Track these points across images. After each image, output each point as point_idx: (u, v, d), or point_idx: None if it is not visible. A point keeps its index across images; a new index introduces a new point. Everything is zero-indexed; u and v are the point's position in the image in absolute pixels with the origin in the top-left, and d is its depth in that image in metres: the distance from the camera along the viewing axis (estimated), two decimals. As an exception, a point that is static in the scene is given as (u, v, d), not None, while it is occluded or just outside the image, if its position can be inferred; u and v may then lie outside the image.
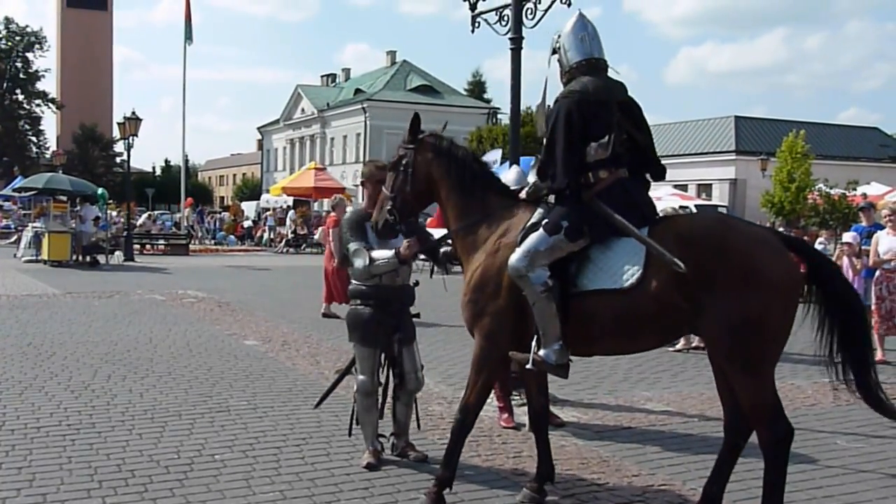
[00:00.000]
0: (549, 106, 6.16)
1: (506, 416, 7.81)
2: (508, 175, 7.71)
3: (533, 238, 5.33)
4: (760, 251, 5.03)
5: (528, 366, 5.37)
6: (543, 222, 5.36)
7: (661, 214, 5.95)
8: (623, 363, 11.05)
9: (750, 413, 5.19)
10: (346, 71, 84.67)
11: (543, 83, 6.67)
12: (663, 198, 37.78)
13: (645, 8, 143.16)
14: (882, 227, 12.16)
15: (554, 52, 5.76)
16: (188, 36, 39.07)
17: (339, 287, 13.85)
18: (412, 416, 6.79)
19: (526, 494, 5.74)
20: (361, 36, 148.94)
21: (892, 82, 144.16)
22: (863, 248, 12.22)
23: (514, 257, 5.30)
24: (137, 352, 10.78)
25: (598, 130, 5.37)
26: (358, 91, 72.89)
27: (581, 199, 5.34)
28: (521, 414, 7.92)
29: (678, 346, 11.80)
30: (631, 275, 5.10)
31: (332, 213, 15.74)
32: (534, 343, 5.35)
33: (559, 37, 5.70)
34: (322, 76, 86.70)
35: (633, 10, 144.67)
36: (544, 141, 5.61)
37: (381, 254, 6.32)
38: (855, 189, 35.06)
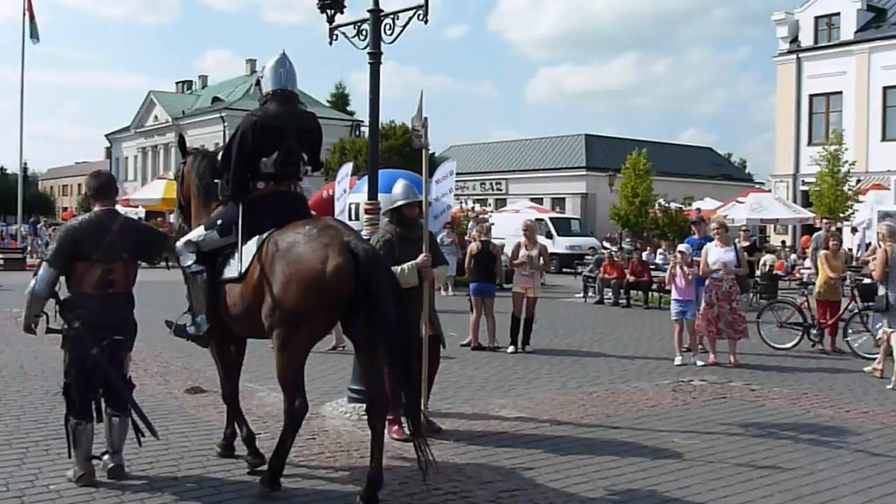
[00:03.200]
0: (426, 118, 7.83)
1: (396, 427, 7.87)
2: (396, 189, 8.15)
3: (196, 230, 6.67)
4: (308, 255, 5.91)
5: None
6: (206, 219, 6.67)
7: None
8: (481, 373, 11.32)
9: (280, 383, 6.22)
10: (204, 78, 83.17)
11: (419, 98, 7.46)
12: (521, 210, 38.73)
13: (507, 28, 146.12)
14: (712, 240, 13.09)
15: (258, 82, 6.99)
16: (33, 34, 37.05)
17: None
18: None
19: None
20: (224, 43, 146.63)
21: (726, 107, 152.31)
22: (694, 258, 12.99)
23: (179, 242, 6.66)
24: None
25: (269, 149, 6.49)
26: (216, 99, 71.63)
27: (238, 203, 6.43)
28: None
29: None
30: (244, 267, 6.23)
31: None
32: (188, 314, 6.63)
33: (263, 68, 6.93)
34: (177, 83, 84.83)
35: (497, 30, 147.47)
36: (223, 151, 6.83)
37: None
38: (690, 204, 37.57)
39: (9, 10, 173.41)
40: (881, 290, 11.77)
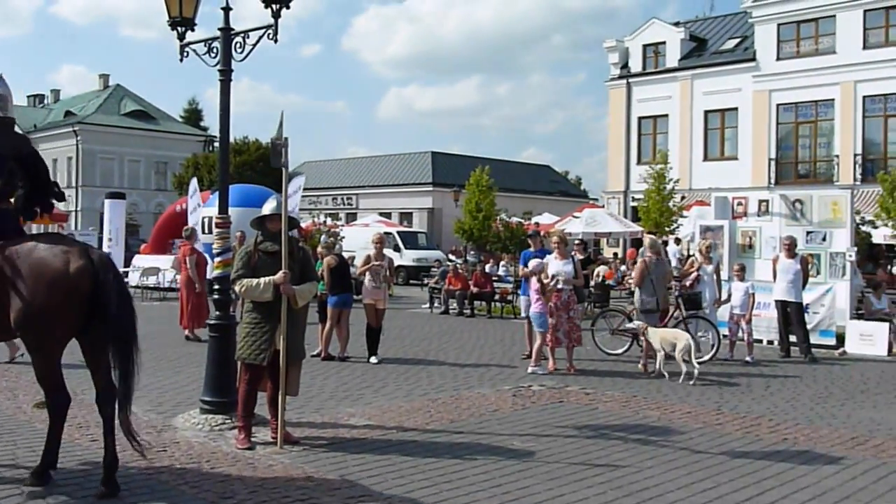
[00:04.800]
0: (286, 138, 7.89)
1: (242, 436, 7.73)
2: (266, 202, 8.19)
3: None
4: (43, 258, 6.19)
5: None
6: None
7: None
8: (331, 382, 11.21)
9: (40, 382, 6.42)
10: (56, 92, 79.85)
11: (280, 117, 7.51)
12: (371, 224, 38.80)
13: (360, 49, 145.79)
14: (548, 252, 13.54)
15: None
16: None
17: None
18: None
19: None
20: (79, 58, 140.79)
21: (563, 127, 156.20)
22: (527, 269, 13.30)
23: None
24: None
25: None
26: (69, 113, 68.91)
27: None
28: (255, 432, 7.92)
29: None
30: None
31: (187, 241, 16.53)
32: None
33: None
34: (28, 96, 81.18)
35: (350, 49, 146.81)
36: None
37: None
38: (530, 218, 38.43)
39: None
40: (637, 294, 13.30)
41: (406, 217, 55.17)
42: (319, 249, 15.05)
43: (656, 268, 13.42)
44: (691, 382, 11.70)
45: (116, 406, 6.41)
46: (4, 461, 6.95)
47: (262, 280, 7.70)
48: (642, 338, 12.82)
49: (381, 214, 48.02)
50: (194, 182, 27.53)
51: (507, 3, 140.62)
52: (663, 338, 12.43)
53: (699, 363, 12.00)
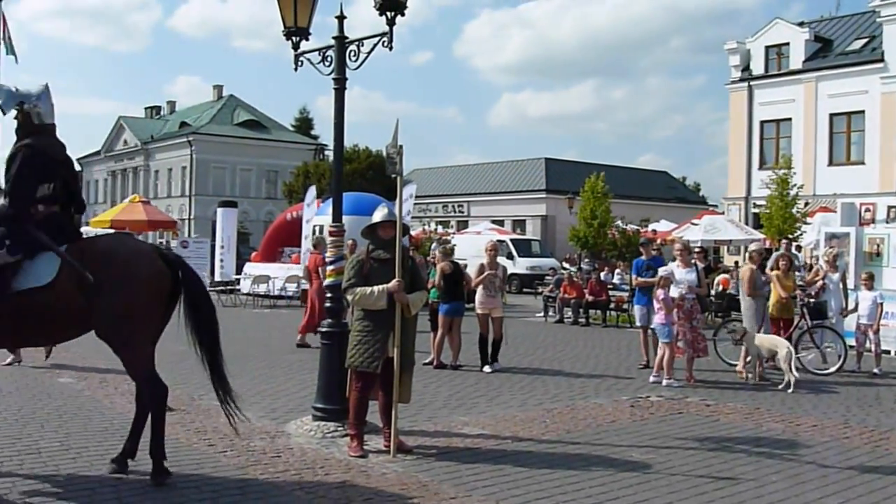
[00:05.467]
0: (401, 146, 8.06)
1: (354, 444, 7.85)
2: (380, 211, 8.24)
3: None
4: (136, 261, 6.76)
5: None
6: None
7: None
8: (443, 390, 11.27)
9: (134, 377, 6.80)
10: (172, 104, 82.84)
11: (395, 126, 7.63)
12: (483, 232, 38.88)
13: (472, 55, 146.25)
14: (660, 261, 13.58)
15: (22, 104, 6.95)
16: (9, 51, 35.97)
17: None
18: None
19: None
20: (194, 69, 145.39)
21: (681, 131, 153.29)
22: (646, 279, 13.41)
23: None
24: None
25: (46, 176, 6.87)
26: (183, 124, 71.32)
27: (22, 226, 6.67)
28: (368, 440, 8.03)
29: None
30: (48, 275, 6.49)
31: (316, 251, 16.58)
32: None
33: (36, 97, 7.00)
34: (146, 108, 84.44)
35: (462, 55, 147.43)
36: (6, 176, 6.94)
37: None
38: (647, 226, 37.70)
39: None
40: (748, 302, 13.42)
41: (519, 224, 55.13)
42: (436, 254, 15.03)
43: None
44: (790, 391, 11.59)
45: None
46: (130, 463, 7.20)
47: (376, 288, 7.81)
48: (742, 343, 12.79)
49: (493, 222, 48.04)
50: (312, 190, 27.89)
51: (623, 6, 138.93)
52: (762, 344, 12.44)
53: (826, 375, 11.74)
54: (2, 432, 8.22)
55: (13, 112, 6.97)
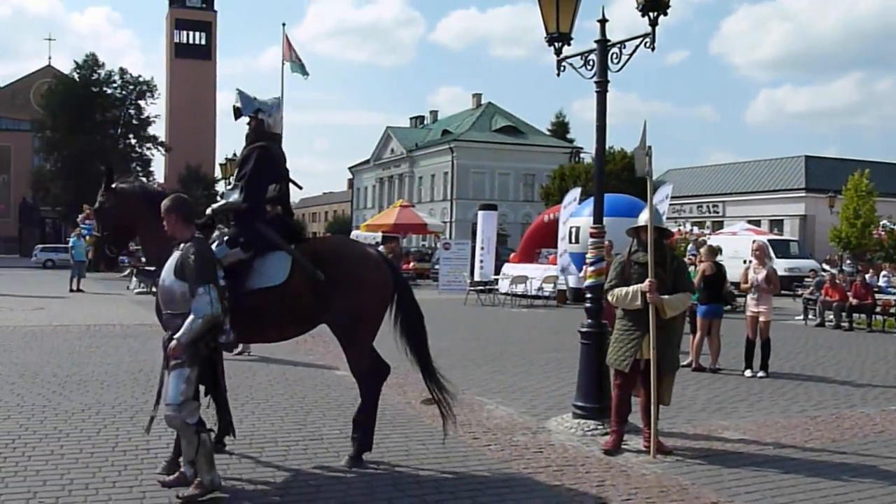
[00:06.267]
0: (649, 147, 8.05)
1: (610, 439, 7.85)
2: (644, 213, 8.03)
3: (217, 248, 6.79)
4: (364, 263, 7.08)
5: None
6: (225, 238, 6.96)
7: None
8: (702, 394, 10.96)
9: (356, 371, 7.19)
10: (434, 113, 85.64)
11: (643, 127, 7.65)
12: (738, 233, 37.40)
13: (730, 51, 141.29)
14: None
15: (258, 111, 7.29)
16: (297, 70, 38.54)
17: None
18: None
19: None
20: (454, 79, 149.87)
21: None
22: None
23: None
24: (238, 379, 10.98)
25: (275, 178, 7.16)
26: (445, 132, 73.53)
27: (254, 223, 6.93)
28: (627, 440, 7.98)
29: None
30: (282, 275, 6.78)
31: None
32: None
33: (270, 107, 7.38)
34: (411, 118, 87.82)
35: (718, 52, 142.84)
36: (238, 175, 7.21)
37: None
38: (918, 225, 34.84)
39: (274, 61, 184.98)
40: None
41: (776, 224, 52.66)
42: (701, 254, 14.48)
43: None
44: None
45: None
46: (399, 454, 7.50)
47: (630, 289, 7.73)
48: None
49: (749, 222, 46.11)
50: (575, 192, 27.90)
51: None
52: None
53: None
54: (290, 418, 8.83)
55: (244, 118, 7.33)
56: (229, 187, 7.10)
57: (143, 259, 7.32)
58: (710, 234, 37.56)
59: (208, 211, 7.37)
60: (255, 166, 7.09)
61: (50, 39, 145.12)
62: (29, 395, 9.77)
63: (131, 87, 75.47)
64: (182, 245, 6.09)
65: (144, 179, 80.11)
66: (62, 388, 10.33)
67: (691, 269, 12.65)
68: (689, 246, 25.75)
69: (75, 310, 21.45)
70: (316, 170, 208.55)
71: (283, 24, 37.72)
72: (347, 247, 7.60)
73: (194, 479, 6.02)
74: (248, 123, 7.36)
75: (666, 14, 8.43)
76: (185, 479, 6.11)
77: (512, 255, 34.34)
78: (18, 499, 5.99)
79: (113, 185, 7.22)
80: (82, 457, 7.12)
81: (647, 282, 7.65)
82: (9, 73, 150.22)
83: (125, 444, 7.51)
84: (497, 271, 30.39)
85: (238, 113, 7.37)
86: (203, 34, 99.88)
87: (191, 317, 5.84)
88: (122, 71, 75.69)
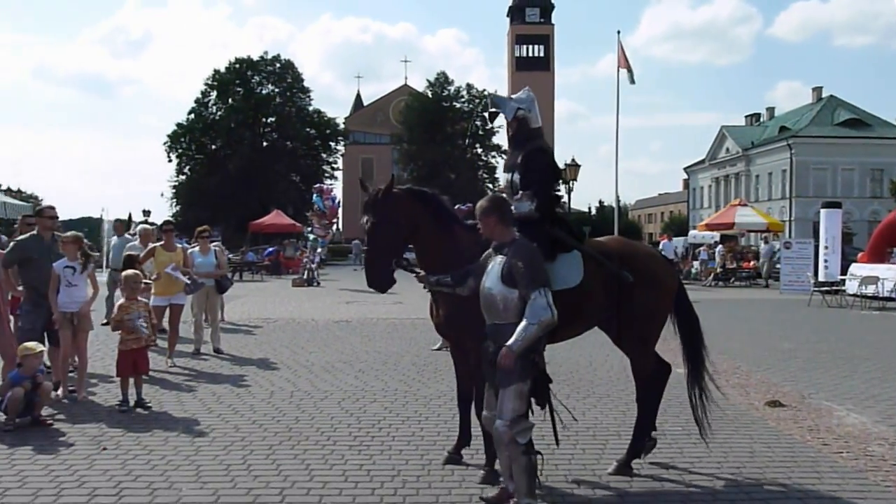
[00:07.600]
0: None
1: None
2: None
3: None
4: (655, 262, 6.94)
5: None
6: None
7: None
8: None
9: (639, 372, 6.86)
10: (770, 110, 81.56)
11: None
12: None
13: None
14: None
15: (520, 110, 6.82)
16: (631, 80, 38.33)
17: None
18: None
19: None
20: (794, 73, 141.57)
21: None
22: None
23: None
24: (580, 374, 11.00)
25: (558, 176, 6.97)
26: (783, 128, 69.67)
27: (545, 229, 6.50)
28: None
29: None
30: (577, 277, 6.40)
31: None
32: None
33: (528, 102, 6.90)
34: (746, 116, 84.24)
35: None
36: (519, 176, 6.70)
37: None
38: None
39: (609, 68, 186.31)
40: None
41: None
42: None
43: None
44: None
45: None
46: (743, 455, 7.12)
47: None
48: None
49: None
50: None
51: None
52: None
53: None
54: (631, 412, 8.62)
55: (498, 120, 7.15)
56: (516, 197, 6.54)
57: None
58: None
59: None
60: (545, 169, 6.67)
61: (406, 61, 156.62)
62: (392, 381, 10.46)
63: (477, 100, 79.10)
64: (504, 248, 5.62)
65: (490, 186, 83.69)
66: (420, 375, 10.95)
67: None
68: None
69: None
70: (651, 171, 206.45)
71: (619, 32, 37.27)
72: (634, 245, 7.13)
73: (511, 499, 5.60)
74: (509, 125, 6.86)
75: None
76: (506, 495, 5.71)
77: (860, 254, 31.72)
78: (385, 475, 6.39)
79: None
80: (440, 440, 7.48)
81: None
82: (372, 92, 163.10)
83: (476, 430, 7.71)
84: (843, 271, 28.21)
85: (492, 117, 7.13)
86: (541, 46, 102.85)
87: (523, 322, 5.29)
88: (469, 86, 79.54)
